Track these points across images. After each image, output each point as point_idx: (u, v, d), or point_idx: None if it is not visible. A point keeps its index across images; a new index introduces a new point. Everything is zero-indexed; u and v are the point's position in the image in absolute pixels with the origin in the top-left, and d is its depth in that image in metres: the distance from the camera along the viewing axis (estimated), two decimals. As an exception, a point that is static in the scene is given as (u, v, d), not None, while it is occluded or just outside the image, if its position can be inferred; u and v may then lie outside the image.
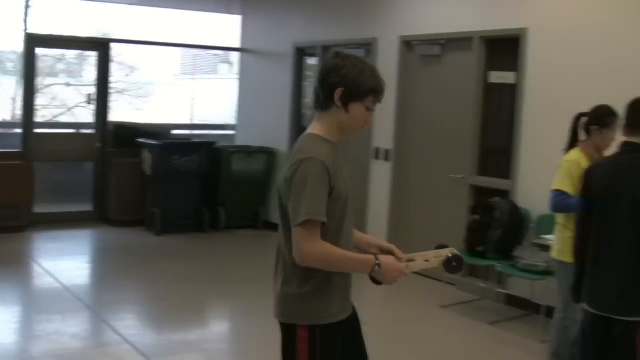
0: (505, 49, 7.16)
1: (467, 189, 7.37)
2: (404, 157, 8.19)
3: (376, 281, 2.88)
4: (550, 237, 5.74)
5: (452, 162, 7.56)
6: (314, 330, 2.84)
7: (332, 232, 2.81)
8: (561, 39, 6.51)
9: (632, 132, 3.75)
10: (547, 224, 6.30)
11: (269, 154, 10.18)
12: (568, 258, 4.35)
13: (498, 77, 7.21)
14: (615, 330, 3.67)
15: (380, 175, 8.41)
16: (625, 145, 3.78)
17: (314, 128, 2.89)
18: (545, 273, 5.95)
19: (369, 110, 2.88)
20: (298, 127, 9.86)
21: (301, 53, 9.86)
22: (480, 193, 7.27)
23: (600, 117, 4.82)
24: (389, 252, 3.01)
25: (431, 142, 7.89)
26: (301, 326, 2.85)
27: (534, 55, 6.74)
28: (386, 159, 8.32)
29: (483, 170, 7.36)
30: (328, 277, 2.83)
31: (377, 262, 2.81)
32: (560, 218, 4.96)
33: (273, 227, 10.03)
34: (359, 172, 8.62)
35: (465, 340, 6.01)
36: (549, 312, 6.10)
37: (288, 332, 2.91)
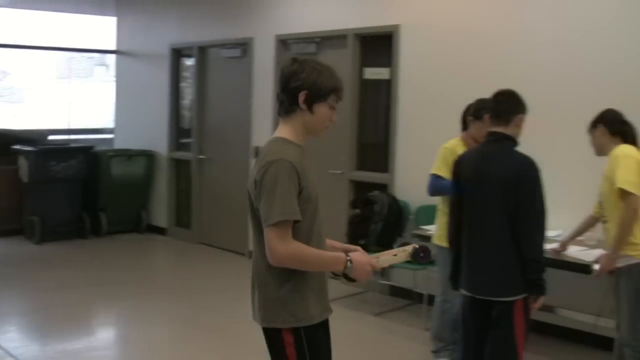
0: (379, 45, 7.20)
1: (347, 184, 7.40)
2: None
3: (349, 278, 2.88)
4: (429, 228, 5.83)
5: (332, 158, 7.56)
6: (298, 333, 2.84)
7: (303, 233, 2.80)
8: (432, 35, 6.60)
9: (497, 123, 3.89)
10: (425, 215, 6.40)
11: (148, 157, 9.93)
12: (445, 243, 4.44)
13: (373, 73, 7.26)
14: (493, 311, 3.80)
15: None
16: (490, 134, 3.93)
17: (280, 132, 2.91)
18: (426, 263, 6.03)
19: (332, 108, 2.93)
20: (177, 128, 9.69)
21: (178, 54, 9.66)
22: (360, 187, 7.31)
23: (475, 110, 4.92)
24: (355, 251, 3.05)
25: (310, 138, 7.83)
26: (285, 330, 2.84)
27: (406, 51, 6.81)
28: (266, 157, 8.21)
29: (362, 165, 7.40)
30: (303, 278, 2.82)
31: (348, 258, 2.82)
32: (440, 204, 5.08)
33: (156, 230, 9.90)
34: (239, 172, 8.53)
35: (351, 332, 6.00)
36: (431, 300, 6.19)
37: (273, 337, 2.90)
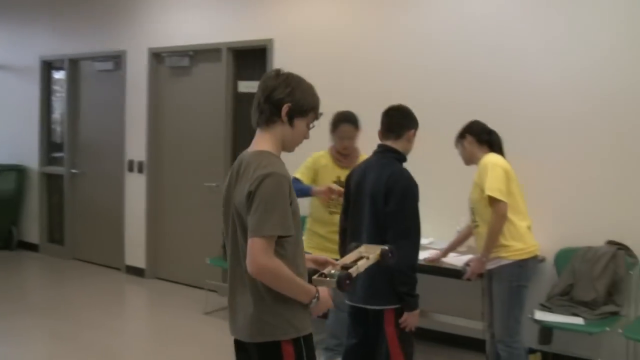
0: (252, 58, 7.19)
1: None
2: (158, 168, 8.00)
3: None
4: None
5: (206, 171, 7.48)
6: (298, 343, 2.79)
7: (292, 245, 2.76)
8: (305, 49, 6.64)
9: (387, 136, 3.97)
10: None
11: (19, 172, 9.51)
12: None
13: (246, 86, 7.24)
14: (369, 318, 3.84)
15: (135, 188, 8.15)
16: (378, 146, 4.00)
17: (262, 144, 2.84)
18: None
19: (308, 126, 2.91)
20: (48, 142, 9.35)
21: (48, 66, 9.34)
22: (236, 199, 7.22)
23: (332, 122, 5.01)
24: (324, 263, 3.01)
25: (184, 151, 7.77)
26: (285, 341, 2.77)
27: (280, 64, 6.76)
28: (140, 171, 8.08)
29: (237, 177, 7.32)
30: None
31: (317, 295, 2.78)
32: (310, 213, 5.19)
33: (28, 246, 9.51)
34: (113, 186, 8.34)
35: (229, 343, 5.91)
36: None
37: (269, 351, 2.80)
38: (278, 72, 2.89)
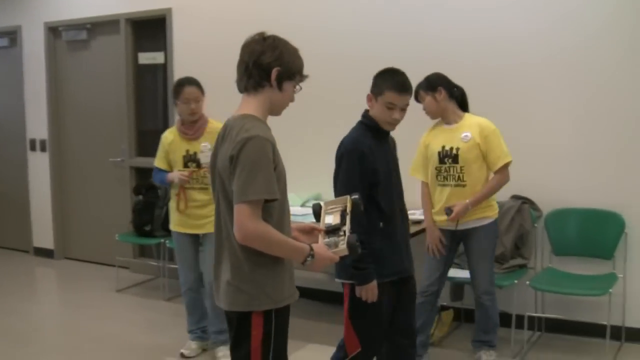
0: (152, 29, 6.90)
1: (128, 171, 7.07)
2: (62, 146, 7.65)
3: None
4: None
5: (111, 146, 7.20)
6: (270, 315, 2.67)
7: (277, 210, 2.65)
8: (205, 17, 6.42)
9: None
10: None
11: None
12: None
13: (147, 58, 6.96)
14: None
15: (39, 168, 7.77)
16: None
17: (247, 108, 2.72)
18: (212, 243, 5.89)
19: (295, 90, 2.79)
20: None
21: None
22: (141, 173, 6.99)
23: (174, 89, 4.86)
24: (310, 230, 2.85)
25: (88, 127, 7.44)
26: (256, 312, 2.65)
27: (179, 34, 6.59)
28: (43, 149, 7.71)
29: (142, 152, 7.09)
30: (277, 260, 2.65)
31: (311, 252, 2.62)
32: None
33: None
34: (16, 166, 7.95)
35: (144, 319, 5.75)
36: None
37: (241, 320, 2.68)
38: (263, 36, 2.77)
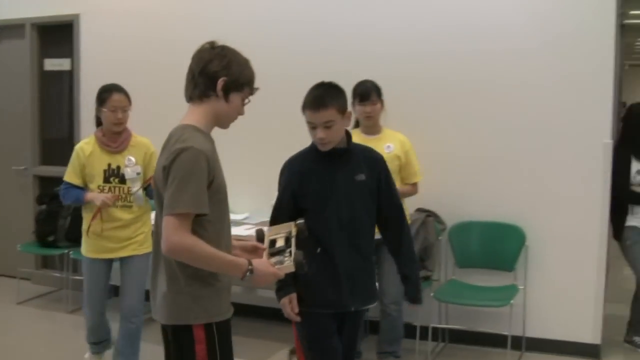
0: (59, 35, 6.67)
1: (32, 180, 6.81)
2: (-38, 152, 7.32)
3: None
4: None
5: (13, 153, 6.91)
6: (210, 328, 2.58)
7: (213, 224, 2.55)
8: (114, 22, 6.26)
9: None
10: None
11: None
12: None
13: (53, 64, 6.73)
14: None
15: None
16: None
17: (189, 119, 2.61)
18: (118, 254, 5.74)
19: (243, 102, 2.68)
20: None
21: None
22: (46, 182, 6.74)
23: (98, 96, 4.44)
24: (253, 249, 2.78)
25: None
26: (196, 326, 2.56)
27: (87, 40, 6.40)
28: (-59, 155, 7.36)
29: (46, 160, 6.85)
30: (213, 274, 2.56)
31: (250, 267, 2.52)
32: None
33: None
34: None
35: (46, 332, 5.54)
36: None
37: (181, 335, 2.58)
38: (213, 44, 2.66)
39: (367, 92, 4.50)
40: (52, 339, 5.41)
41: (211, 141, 2.63)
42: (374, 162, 3.24)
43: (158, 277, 2.64)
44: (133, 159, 4.33)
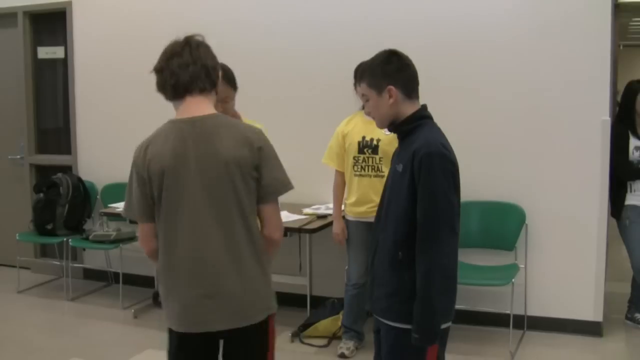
0: (52, 23, 6.54)
1: (28, 169, 6.71)
2: (-43, 142, 7.21)
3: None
4: (117, 205, 5.46)
5: (9, 143, 6.79)
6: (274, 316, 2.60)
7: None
8: (106, 11, 6.14)
9: None
10: (112, 194, 6.03)
11: None
12: None
13: (47, 52, 6.60)
14: None
15: None
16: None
17: (209, 109, 2.53)
18: (117, 241, 5.67)
19: None
20: None
21: None
22: (43, 171, 6.65)
23: None
24: None
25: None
26: (271, 315, 2.57)
27: (80, 28, 6.28)
28: None
29: (42, 148, 6.74)
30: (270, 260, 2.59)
31: None
32: None
33: None
34: None
35: (47, 320, 5.46)
36: (127, 278, 5.85)
37: (260, 328, 2.53)
38: (195, 38, 2.59)
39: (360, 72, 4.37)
40: (53, 327, 5.33)
41: None
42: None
43: (232, 279, 2.45)
44: None
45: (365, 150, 4.30)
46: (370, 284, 2.70)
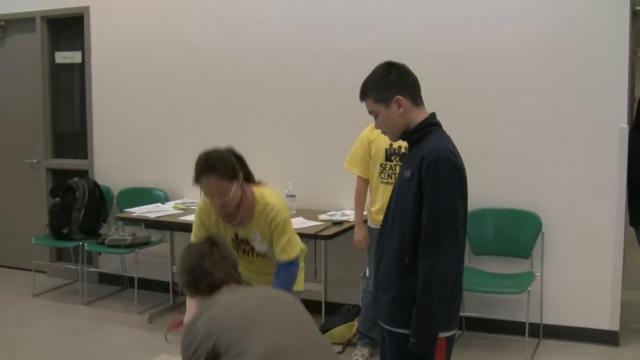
0: (69, 28, 6.54)
1: (45, 173, 6.71)
2: (-26, 146, 7.23)
3: None
4: (132, 210, 5.45)
5: (26, 147, 6.79)
6: None
7: None
8: (124, 14, 6.12)
9: None
10: (128, 198, 6.03)
11: None
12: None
13: (64, 57, 6.60)
14: None
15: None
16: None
17: None
18: (133, 246, 5.65)
19: None
20: None
21: None
22: (59, 175, 6.66)
23: None
24: None
25: (2, 129, 7.04)
26: None
27: (97, 33, 6.27)
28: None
29: (59, 153, 6.75)
30: None
31: None
32: None
33: None
34: None
35: (62, 324, 5.46)
36: (141, 283, 5.84)
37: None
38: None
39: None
40: (68, 331, 5.32)
41: None
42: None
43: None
44: (259, 235, 3.41)
45: (392, 157, 4.26)
46: (374, 289, 2.68)
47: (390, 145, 4.26)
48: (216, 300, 2.41)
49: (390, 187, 4.20)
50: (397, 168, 4.22)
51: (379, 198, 4.33)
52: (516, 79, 4.80)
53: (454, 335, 2.61)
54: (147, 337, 5.13)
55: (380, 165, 4.30)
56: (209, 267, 2.50)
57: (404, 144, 4.11)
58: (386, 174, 4.29)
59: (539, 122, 4.77)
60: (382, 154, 4.28)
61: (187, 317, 2.61)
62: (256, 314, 2.30)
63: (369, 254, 4.49)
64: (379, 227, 4.27)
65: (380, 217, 4.26)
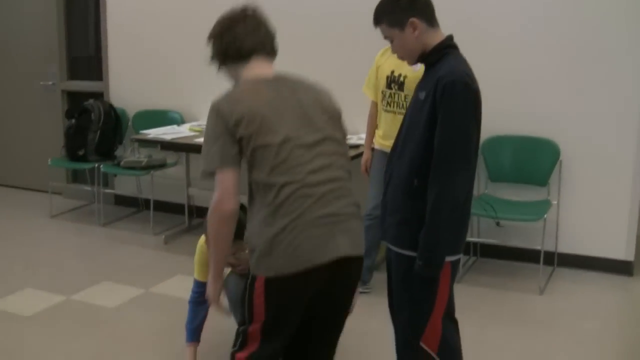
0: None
1: (60, 95, 6.63)
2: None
3: None
4: (148, 132, 5.40)
5: (41, 69, 6.68)
6: None
7: None
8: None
9: None
10: (143, 120, 5.97)
11: None
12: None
13: (79, -23, 6.48)
14: None
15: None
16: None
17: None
18: (148, 167, 5.62)
19: None
20: None
21: None
22: (74, 97, 6.58)
23: None
24: None
25: (15, 51, 6.87)
26: None
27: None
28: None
29: (74, 75, 6.64)
30: None
31: None
32: None
33: None
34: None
35: (79, 244, 5.47)
36: (157, 205, 5.82)
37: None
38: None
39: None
40: (85, 252, 5.34)
41: None
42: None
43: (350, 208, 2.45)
44: None
45: (392, 85, 4.12)
46: (382, 211, 2.62)
47: (392, 72, 4.11)
48: (241, 87, 2.38)
49: (391, 115, 4.15)
50: (396, 96, 4.09)
51: (382, 124, 4.23)
52: (538, 5, 4.64)
53: (459, 259, 2.55)
54: (163, 258, 5.13)
55: (382, 92, 4.18)
56: (240, 34, 2.41)
57: (404, 72, 4.02)
58: (386, 102, 4.16)
59: (562, 50, 4.62)
60: (384, 81, 4.15)
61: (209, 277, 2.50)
62: (278, 105, 2.30)
63: (370, 179, 4.40)
64: (383, 149, 4.24)
65: (384, 141, 4.21)
